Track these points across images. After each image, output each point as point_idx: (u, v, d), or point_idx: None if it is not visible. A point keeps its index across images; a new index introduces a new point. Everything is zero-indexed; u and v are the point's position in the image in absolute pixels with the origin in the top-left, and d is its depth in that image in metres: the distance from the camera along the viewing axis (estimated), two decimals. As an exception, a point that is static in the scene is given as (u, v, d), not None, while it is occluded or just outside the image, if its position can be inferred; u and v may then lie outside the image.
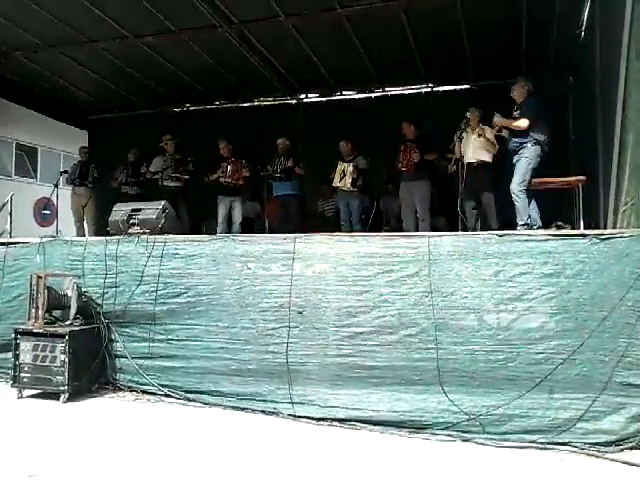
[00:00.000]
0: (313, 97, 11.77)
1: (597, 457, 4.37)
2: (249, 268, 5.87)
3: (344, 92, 11.41)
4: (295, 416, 5.35)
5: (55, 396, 5.86)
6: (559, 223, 6.87)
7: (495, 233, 5.28)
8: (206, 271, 6.02)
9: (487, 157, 7.74)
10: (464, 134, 7.65)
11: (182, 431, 4.97)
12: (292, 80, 10.92)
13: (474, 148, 7.70)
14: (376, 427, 5.05)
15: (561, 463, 4.31)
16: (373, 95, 11.23)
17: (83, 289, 6.36)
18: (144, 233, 6.58)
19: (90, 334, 6.17)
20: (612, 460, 4.30)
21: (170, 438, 4.77)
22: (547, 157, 6.93)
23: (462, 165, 7.40)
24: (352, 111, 10.93)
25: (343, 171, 9.20)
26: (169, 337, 6.05)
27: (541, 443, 4.60)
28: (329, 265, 5.58)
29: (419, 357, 5.09)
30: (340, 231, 8.64)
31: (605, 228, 5.77)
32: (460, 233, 5.87)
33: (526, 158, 6.85)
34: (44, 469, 4.03)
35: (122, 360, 6.22)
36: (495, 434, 4.75)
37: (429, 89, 10.84)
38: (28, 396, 6.03)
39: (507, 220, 7.13)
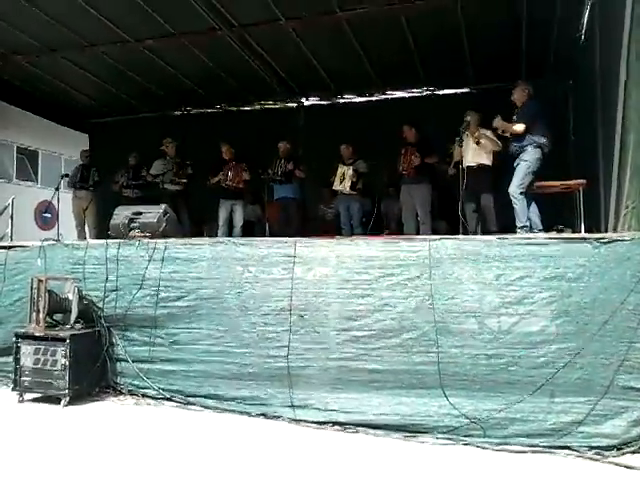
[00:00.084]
0: (313, 100, 11.78)
1: (598, 461, 4.36)
2: (250, 272, 5.86)
3: (344, 95, 11.44)
4: (296, 420, 5.33)
5: (56, 400, 5.85)
6: (560, 227, 6.87)
7: (496, 237, 5.27)
8: (207, 275, 6.01)
9: (486, 160, 7.76)
10: (464, 137, 7.66)
11: (182, 435, 4.96)
12: (292, 84, 10.95)
13: (473, 151, 7.71)
14: (377, 431, 5.03)
15: (562, 467, 4.29)
16: (373, 98, 11.27)
17: (84, 293, 6.34)
18: (145, 237, 6.58)
19: (91, 338, 6.16)
20: (614, 464, 4.28)
21: (171, 442, 4.76)
22: (547, 159, 6.94)
23: (462, 168, 7.40)
24: (352, 114, 10.95)
25: (343, 174, 9.22)
26: (170, 341, 6.04)
27: (542, 447, 4.58)
28: (330, 269, 5.57)
29: (420, 361, 5.07)
30: (341, 234, 8.64)
31: (606, 232, 5.76)
32: (461, 236, 5.88)
33: (526, 161, 6.86)
34: (45, 473, 4.02)
35: (123, 364, 6.21)
36: (496, 438, 4.73)
37: (429, 92, 10.86)
38: (29, 400, 6.02)
39: (507, 223, 7.13)
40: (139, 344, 6.18)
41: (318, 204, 10.67)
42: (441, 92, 10.77)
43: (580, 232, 6.50)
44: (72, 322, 6.16)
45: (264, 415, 5.47)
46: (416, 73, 10.05)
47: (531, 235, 6.22)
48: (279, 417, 5.40)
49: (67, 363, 5.80)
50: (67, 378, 5.79)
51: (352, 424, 5.14)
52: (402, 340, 5.16)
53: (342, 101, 11.53)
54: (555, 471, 4.22)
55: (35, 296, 6.06)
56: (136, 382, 6.11)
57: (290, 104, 11.91)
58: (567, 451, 4.51)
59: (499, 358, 4.86)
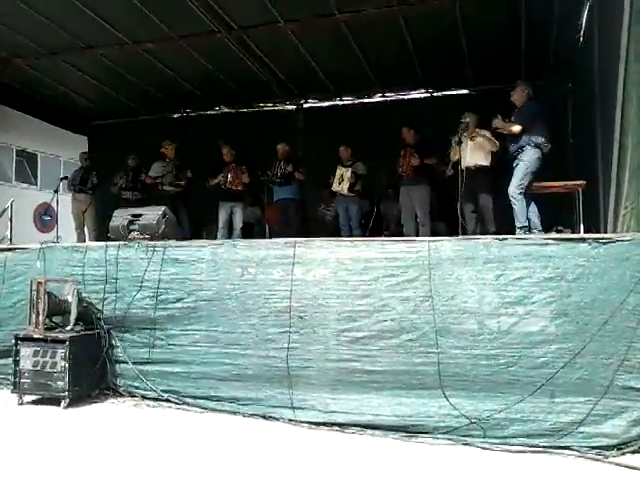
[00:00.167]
0: (312, 102, 11.78)
1: (599, 461, 4.36)
2: (249, 273, 5.86)
3: (343, 97, 11.43)
4: (296, 421, 5.33)
5: (55, 402, 5.85)
6: (559, 227, 6.87)
7: (495, 237, 5.27)
8: (206, 276, 6.01)
9: (484, 161, 7.76)
10: (462, 138, 7.66)
11: (182, 436, 4.96)
12: (291, 85, 10.96)
13: (471, 152, 7.71)
14: (377, 431, 5.04)
15: (562, 467, 4.30)
16: (372, 100, 11.26)
17: (83, 294, 6.35)
18: (144, 238, 6.58)
19: (90, 340, 6.16)
20: (614, 464, 4.28)
21: (170, 443, 4.76)
22: (547, 160, 6.94)
23: (460, 169, 7.40)
24: (351, 116, 10.93)
25: (341, 176, 9.23)
26: (169, 342, 6.04)
27: (542, 447, 4.58)
28: (329, 270, 5.58)
29: (420, 361, 5.08)
30: (340, 236, 8.64)
31: (605, 232, 5.77)
32: (460, 237, 5.86)
33: (524, 162, 6.86)
34: (44, 475, 4.02)
35: (122, 365, 6.21)
36: (496, 438, 4.73)
37: (428, 94, 10.86)
38: (28, 402, 6.02)
39: (506, 223, 7.13)
40: (139, 346, 6.18)
41: (317, 205, 10.66)
42: (440, 93, 10.77)
43: (579, 232, 6.49)
44: (71, 324, 6.15)
45: (264, 416, 5.47)
46: (415, 75, 10.05)
47: (530, 235, 6.22)
48: (279, 418, 5.40)
49: (67, 365, 5.81)
50: (67, 380, 5.80)
51: (352, 425, 5.15)
52: (402, 341, 5.16)
53: (341, 103, 11.51)
54: (555, 471, 4.22)
55: (34, 298, 6.06)
56: (136, 384, 6.11)
57: (289, 106, 11.91)
58: (567, 451, 4.52)
59: (499, 358, 4.86)
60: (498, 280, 5.01)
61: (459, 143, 7.48)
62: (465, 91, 10.61)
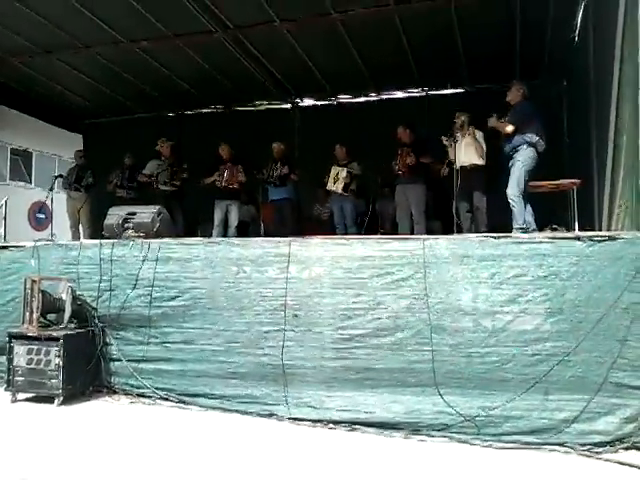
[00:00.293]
0: (308, 101, 11.79)
1: (592, 458, 4.38)
2: (244, 271, 5.85)
3: (339, 96, 11.45)
4: (291, 418, 5.33)
5: (49, 399, 5.84)
6: (554, 226, 6.88)
7: (490, 235, 5.28)
8: (201, 274, 6.00)
9: (479, 160, 7.79)
10: (457, 138, 7.68)
11: (177, 434, 4.96)
12: (287, 85, 10.97)
13: (465, 151, 7.74)
14: (372, 429, 5.04)
15: (556, 464, 4.31)
16: (368, 99, 11.28)
17: (78, 293, 6.33)
18: (139, 237, 6.57)
19: (85, 337, 6.15)
20: (607, 460, 4.30)
21: (165, 441, 4.75)
22: (541, 159, 6.96)
23: (456, 169, 7.42)
24: (347, 115, 10.97)
25: (337, 175, 9.23)
26: (164, 340, 6.03)
27: (536, 444, 4.60)
28: (324, 268, 5.58)
29: (415, 359, 5.08)
30: (335, 234, 8.64)
31: (600, 230, 5.79)
32: (455, 236, 5.90)
33: (519, 161, 6.88)
34: (37, 473, 4.01)
35: (117, 363, 6.20)
36: (491, 435, 4.74)
37: (424, 93, 10.89)
38: (22, 399, 6.00)
39: (498, 222, 7.13)
40: (133, 344, 6.17)
41: (313, 204, 10.67)
42: (435, 93, 10.81)
43: (574, 231, 6.51)
44: (66, 322, 6.15)
45: (259, 414, 5.47)
46: (410, 74, 10.07)
47: (525, 234, 6.23)
48: (274, 415, 5.40)
49: (61, 363, 5.80)
50: (61, 378, 5.79)
51: (347, 422, 5.15)
52: (397, 339, 5.17)
53: (337, 102, 11.55)
54: (549, 468, 4.23)
55: (29, 296, 6.04)
56: (130, 381, 6.10)
57: (285, 105, 11.93)
58: (561, 448, 4.53)
59: (493, 356, 4.87)
60: (493, 278, 5.02)
61: (454, 141, 7.51)
62: (460, 90, 10.63)
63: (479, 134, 7.83)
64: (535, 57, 9.16)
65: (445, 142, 7.77)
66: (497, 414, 4.77)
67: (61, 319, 6.20)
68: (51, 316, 6.31)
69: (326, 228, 9.55)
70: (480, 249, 5.14)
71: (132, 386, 6.09)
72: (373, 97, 11.23)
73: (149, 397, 5.96)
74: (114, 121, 12.67)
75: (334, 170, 9.25)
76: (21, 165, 17.60)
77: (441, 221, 8.87)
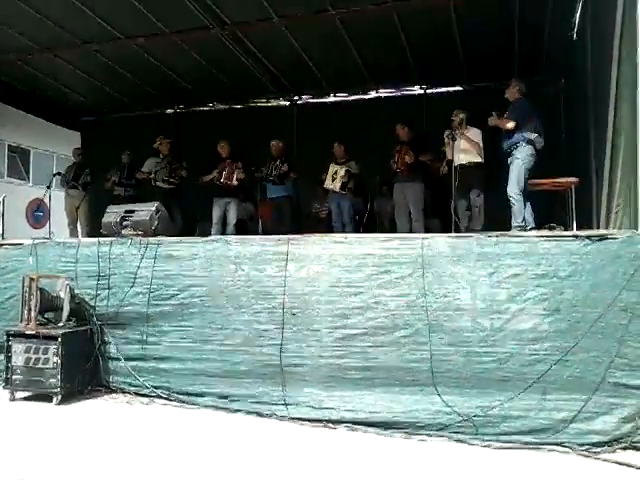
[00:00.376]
0: (306, 99, 11.78)
1: (590, 457, 4.38)
2: (242, 270, 5.85)
3: (337, 94, 11.43)
4: (289, 418, 5.33)
5: (48, 398, 5.83)
6: (552, 224, 6.88)
7: (488, 234, 5.28)
8: (199, 273, 6.00)
9: (477, 158, 7.80)
10: (456, 136, 7.69)
11: (175, 433, 4.96)
12: (285, 82, 10.94)
13: (464, 149, 7.74)
14: (370, 428, 5.04)
15: (554, 464, 4.31)
16: (366, 97, 11.26)
17: (76, 291, 6.32)
18: (137, 235, 6.56)
19: (83, 336, 6.15)
20: (605, 460, 4.30)
21: (163, 440, 4.75)
22: (539, 158, 6.96)
23: (454, 166, 7.43)
24: (345, 113, 10.96)
25: (335, 173, 9.22)
26: (162, 339, 6.03)
27: (534, 444, 4.60)
28: (323, 266, 5.58)
29: (413, 358, 5.09)
30: (333, 232, 8.63)
31: (598, 229, 5.79)
32: (453, 234, 5.89)
33: (519, 159, 6.89)
34: (35, 472, 4.00)
35: (115, 362, 6.20)
36: (488, 435, 4.75)
37: (422, 90, 10.88)
38: (20, 398, 6.00)
39: (497, 220, 7.12)
40: (131, 342, 6.17)
41: (311, 202, 10.64)
42: (433, 90, 10.79)
43: (572, 230, 6.51)
44: (64, 320, 6.15)
45: (257, 413, 5.47)
46: (409, 71, 10.07)
47: (523, 233, 6.23)
48: (272, 415, 5.40)
49: (59, 361, 5.80)
50: (59, 376, 5.79)
51: (345, 422, 5.15)
52: (395, 338, 5.17)
53: (335, 99, 11.53)
54: (547, 468, 4.24)
55: (27, 294, 6.04)
56: (128, 380, 6.10)
57: (283, 102, 11.92)
58: (559, 448, 4.54)
59: (491, 355, 4.88)
60: (491, 277, 5.02)
61: (453, 139, 7.52)
62: (459, 88, 10.63)
63: (477, 132, 7.83)
64: (533, 55, 9.16)
65: (446, 137, 7.77)
66: (495, 414, 4.77)
67: (59, 317, 6.20)
68: (49, 314, 6.30)
69: (324, 226, 9.55)
70: (478, 247, 5.14)
71: (130, 385, 6.09)
72: (371, 95, 11.21)
73: (147, 396, 5.96)
74: (112, 119, 12.66)
75: (332, 168, 9.23)
76: (19, 162, 17.58)
77: (439, 219, 8.87)
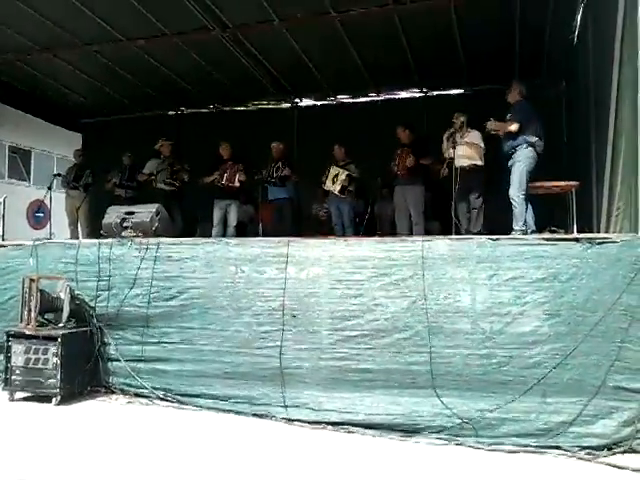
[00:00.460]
0: (307, 101, 11.79)
1: (590, 461, 4.38)
2: (243, 271, 5.85)
3: (338, 96, 11.45)
4: (288, 419, 5.33)
5: (47, 399, 5.83)
6: (552, 227, 6.89)
7: (489, 237, 5.27)
8: (199, 274, 6.00)
9: (477, 160, 7.80)
10: (457, 139, 7.69)
11: (174, 434, 4.95)
12: (286, 84, 10.96)
13: (464, 152, 7.74)
14: (369, 430, 5.04)
15: (554, 467, 4.31)
16: (367, 99, 11.28)
17: (76, 292, 6.33)
18: (137, 236, 6.56)
19: (83, 337, 6.15)
20: (604, 464, 4.30)
21: (162, 441, 4.75)
22: (540, 161, 6.96)
23: (455, 168, 7.44)
24: (346, 115, 10.95)
25: (336, 176, 9.21)
26: (162, 340, 6.03)
27: (534, 447, 4.59)
28: (323, 268, 5.57)
29: (412, 361, 5.08)
30: (333, 234, 8.64)
31: (598, 232, 5.79)
32: (454, 237, 5.88)
33: (520, 162, 6.89)
34: (35, 473, 4.00)
35: (115, 363, 6.20)
36: (488, 438, 4.74)
37: (423, 93, 10.89)
38: (20, 399, 6.00)
39: (498, 223, 7.13)
40: (131, 343, 6.16)
41: (311, 204, 10.65)
42: (434, 93, 10.80)
43: (572, 233, 6.51)
44: (64, 321, 6.15)
45: (257, 414, 5.47)
46: (410, 74, 10.08)
47: (523, 236, 6.23)
48: (272, 416, 5.40)
49: (58, 362, 5.80)
50: (58, 377, 5.79)
51: (345, 424, 5.15)
52: (394, 340, 5.17)
53: (336, 102, 11.54)
54: (546, 471, 4.23)
55: (27, 295, 6.04)
56: (128, 381, 6.10)
57: (284, 104, 11.93)
58: (558, 451, 4.53)
59: (491, 358, 4.87)
60: (491, 280, 5.02)
61: (454, 143, 7.52)
62: (459, 91, 10.64)
63: (478, 134, 7.83)
64: (534, 58, 9.17)
65: (445, 138, 7.78)
66: (495, 416, 4.77)
67: (59, 318, 6.20)
68: (49, 315, 6.29)
69: (325, 228, 9.55)
70: (479, 250, 5.13)
71: (130, 386, 6.08)
72: (372, 97, 11.23)
73: (147, 397, 5.95)
74: (113, 120, 12.67)
75: (334, 170, 9.22)
76: (20, 163, 17.60)
77: (440, 222, 8.86)
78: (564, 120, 9.53)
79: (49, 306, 6.20)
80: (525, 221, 6.89)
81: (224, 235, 9.07)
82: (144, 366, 6.06)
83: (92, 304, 6.34)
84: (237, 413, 5.54)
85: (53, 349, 5.83)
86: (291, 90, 11.30)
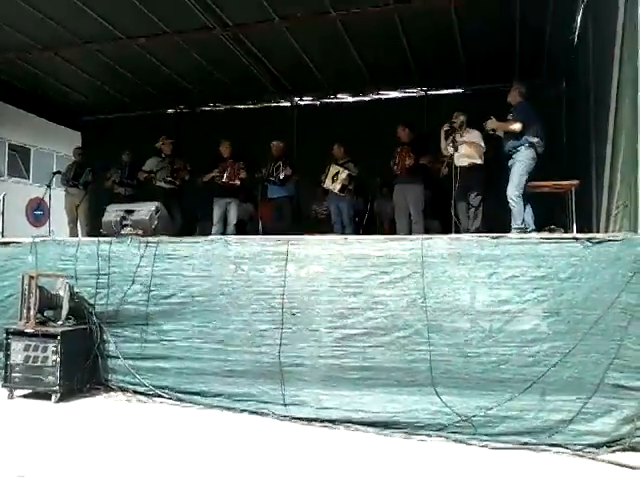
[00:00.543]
0: (307, 100, 11.80)
1: (588, 458, 4.39)
2: (242, 269, 5.85)
3: (338, 95, 11.46)
4: (288, 417, 5.34)
5: (46, 396, 5.83)
6: (552, 226, 6.90)
7: (488, 236, 5.28)
8: (199, 272, 6.00)
9: (477, 159, 7.81)
10: (456, 138, 7.70)
11: (174, 432, 4.96)
12: (286, 82, 10.96)
13: (464, 151, 7.75)
14: (369, 428, 5.05)
15: (553, 465, 4.32)
16: (367, 98, 11.29)
17: (75, 289, 6.32)
18: (137, 234, 6.56)
19: (82, 334, 6.15)
20: (603, 461, 4.31)
21: (162, 439, 4.75)
22: (540, 160, 6.97)
23: (455, 167, 7.45)
24: (346, 114, 10.96)
25: (336, 175, 9.21)
26: (161, 338, 6.03)
27: (533, 445, 4.61)
28: (322, 267, 5.58)
29: (412, 359, 5.09)
30: (333, 233, 8.64)
31: (598, 232, 5.80)
32: (453, 235, 5.89)
33: (520, 162, 6.90)
34: (34, 469, 4.00)
35: (114, 360, 6.19)
36: (487, 435, 4.75)
37: (423, 92, 10.90)
38: (19, 396, 6.00)
39: (497, 222, 7.13)
40: (131, 341, 6.17)
41: (311, 203, 10.65)
42: (434, 92, 10.81)
43: (572, 232, 6.52)
44: (63, 319, 6.14)
45: (256, 412, 5.47)
46: (410, 73, 10.08)
47: (523, 235, 6.24)
48: (271, 414, 5.40)
49: (58, 359, 5.79)
50: (58, 374, 5.78)
51: (344, 421, 5.15)
52: (394, 338, 5.17)
53: (336, 101, 11.55)
54: (546, 469, 4.24)
55: (26, 293, 6.03)
56: (127, 379, 6.10)
57: (284, 103, 11.93)
58: (558, 449, 4.54)
59: (491, 356, 4.88)
60: (490, 278, 5.02)
61: (454, 142, 7.53)
62: (459, 91, 10.65)
63: (478, 134, 7.84)
64: (535, 58, 9.17)
65: (444, 132, 7.80)
66: (494, 414, 4.78)
67: (59, 316, 6.19)
68: (48, 313, 6.29)
69: (325, 227, 9.55)
70: (478, 249, 5.14)
71: (129, 383, 6.08)
72: (372, 96, 11.22)
73: (146, 395, 5.95)
74: (113, 118, 12.69)
75: (334, 169, 9.22)
76: (19, 161, 17.61)
77: (439, 220, 8.87)
78: (564, 120, 9.53)
79: (48, 304, 6.20)
80: (524, 220, 6.91)
81: (224, 233, 9.07)
82: (143, 364, 6.06)
83: (91, 302, 6.33)
84: (236, 411, 5.54)
85: (52, 347, 5.82)
86: (291, 89, 11.30)
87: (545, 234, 5.96)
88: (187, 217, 10.03)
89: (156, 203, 7.05)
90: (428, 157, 8.43)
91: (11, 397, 5.96)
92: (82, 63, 10.34)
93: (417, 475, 4.10)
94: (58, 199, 10.62)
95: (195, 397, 5.77)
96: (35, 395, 5.94)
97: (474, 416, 4.81)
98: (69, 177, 10.61)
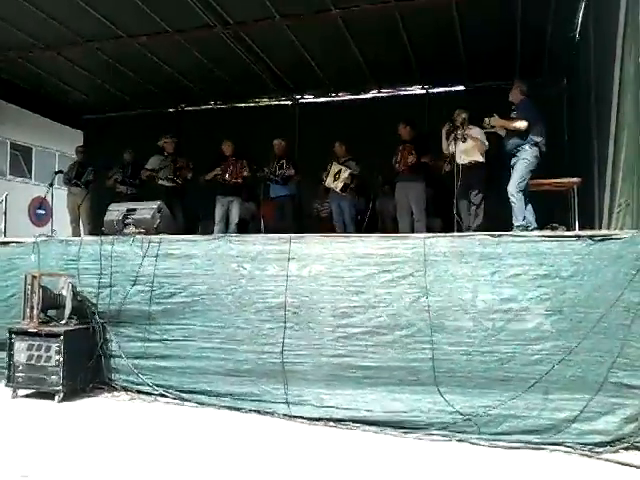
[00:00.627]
0: (308, 98, 11.79)
1: (592, 457, 4.39)
2: (245, 268, 5.86)
3: (339, 93, 11.43)
4: (290, 416, 5.35)
5: (50, 396, 5.85)
6: (554, 224, 6.88)
7: (491, 234, 5.27)
8: (201, 271, 6.01)
9: (479, 157, 7.80)
10: (458, 135, 7.69)
11: (177, 431, 4.96)
12: (287, 81, 10.93)
13: (466, 149, 7.74)
14: (372, 427, 5.06)
15: (556, 463, 4.32)
16: (368, 96, 11.26)
17: (78, 289, 6.34)
18: (139, 233, 6.57)
19: (85, 334, 6.16)
20: (607, 460, 4.31)
21: (165, 438, 4.76)
22: (542, 158, 6.94)
23: (457, 165, 7.44)
24: (347, 112, 10.94)
25: (338, 173, 9.19)
26: (164, 337, 6.04)
27: (536, 443, 4.61)
28: (324, 266, 5.58)
29: (414, 357, 5.09)
30: (335, 232, 8.63)
31: (600, 229, 5.79)
32: (455, 234, 5.88)
33: (524, 160, 6.88)
34: (38, 469, 4.01)
35: (117, 360, 6.21)
36: (490, 434, 4.75)
37: (424, 90, 10.88)
38: (22, 396, 6.01)
39: (499, 220, 7.11)
40: (133, 340, 6.18)
41: (313, 201, 10.65)
42: (435, 90, 10.80)
43: (574, 230, 6.51)
44: (66, 318, 6.15)
45: (259, 411, 5.49)
46: (411, 71, 10.06)
47: (525, 233, 6.23)
48: (274, 413, 5.42)
49: (61, 359, 5.81)
50: (61, 374, 5.80)
51: (347, 420, 5.17)
52: (396, 337, 5.18)
53: (337, 99, 11.52)
54: (549, 468, 4.24)
55: (29, 292, 6.05)
56: (130, 378, 6.11)
57: (285, 101, 11.91)
58: (561, 448, 4.54)
59: (493, 355, 4.88)
60: (493, 277, 5.02)
61: (455, 139, 7.52)
62: (461, 88, 10.63)
63: (479, 131, 7.82)
64: (536, 56, 9.15)
65: (445, 131, 7.79)
66: (497, 413, 4.78)
67: (61, 315, 6.21)
68: (51, 312, 6.31)
69: (326, 225, 9.54)
70: (481, 247, 5.14)
71: (132, 383, 6.10)
72: (373, 94, 11.21)
73: (149, 394, 5.97)
74: (114, 117, 12.66)
75: (335, 167, 9.19)
76: (21, 160, 17.61)
77: (441, 218, 8.85)
78: (565, 118, 9.52)
79: (51, 303, 6.22)
80: (525, 217, 6.89)
81: (226, 232, 9.06)
82: (146, 363, 6.08)
83: (94, 301, 6.35)
84: (239, 410, 5.56)
85: (55, 346, 5.84)
86: (292, 87, 11.28)
87: (547, 232, 5.95)
88: (189, 216, 10.01)
89: (158, 202, 7.07)
90: (429, 155, 8.42)
91: (15, 396, 5.98)
92: (84, 62, 10.32)
93: (420, 474, 4.10)
94: (60, 198, 10.61)
95: (198, 396, 5.78)
96: (38, 395, 5.95)
97: (477, 415, 4.82)
98: (71, 176, 10.59)
